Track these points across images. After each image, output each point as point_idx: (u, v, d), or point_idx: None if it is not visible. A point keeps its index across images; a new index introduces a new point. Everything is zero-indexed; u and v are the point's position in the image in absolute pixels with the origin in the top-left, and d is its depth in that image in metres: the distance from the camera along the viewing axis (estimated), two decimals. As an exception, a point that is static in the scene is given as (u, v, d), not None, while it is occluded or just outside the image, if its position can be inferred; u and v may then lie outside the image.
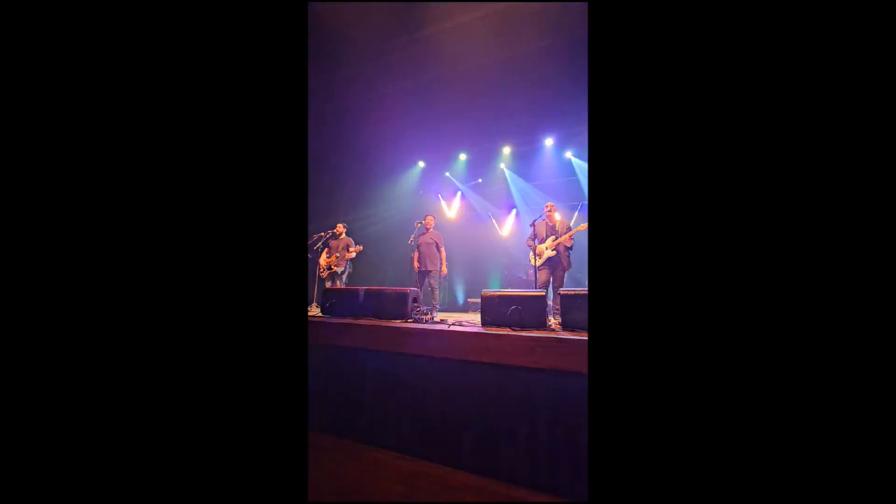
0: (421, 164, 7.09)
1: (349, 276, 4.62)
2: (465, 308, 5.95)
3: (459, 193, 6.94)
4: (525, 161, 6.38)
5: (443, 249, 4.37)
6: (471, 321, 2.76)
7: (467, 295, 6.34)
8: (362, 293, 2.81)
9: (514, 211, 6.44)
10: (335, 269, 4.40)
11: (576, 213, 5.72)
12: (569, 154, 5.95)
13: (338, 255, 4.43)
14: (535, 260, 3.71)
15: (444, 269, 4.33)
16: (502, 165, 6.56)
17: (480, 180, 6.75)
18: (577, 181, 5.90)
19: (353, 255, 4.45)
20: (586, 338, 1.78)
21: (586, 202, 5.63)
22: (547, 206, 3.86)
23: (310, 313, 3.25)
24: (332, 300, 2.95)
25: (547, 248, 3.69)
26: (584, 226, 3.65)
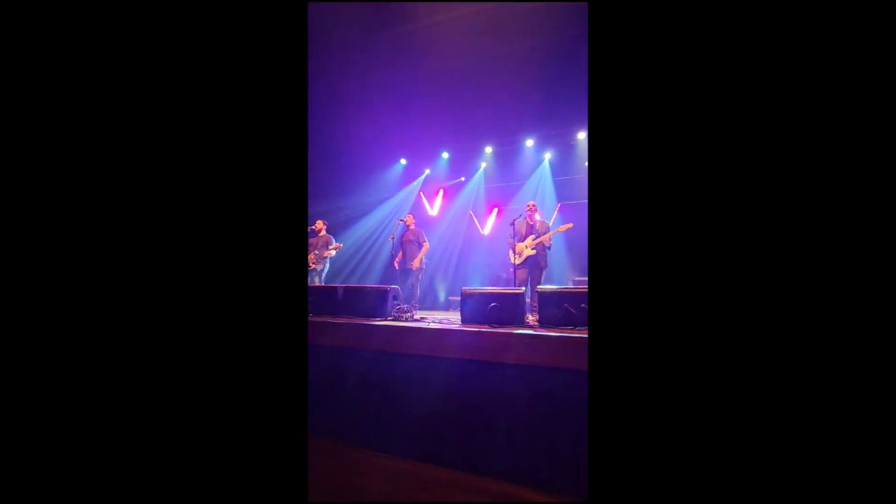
0: (403, 161, 7.05)
1: (328, 274, 4.55)
2: (447, 306, 5.97)
3: (441, 191, 6.94)
4: (506, 161, 6.44)
5: (426, 243, 4.36)
6: (451, 319, 2.77)
7: (449, 293, 6.36)
8: (341, 291, 2.78)
9: (495, 210, 6.50)
10: (314, 266, 4.32)
11: (555, 213, 5.82)
12: (547, 155, 6.06)
13: (317, 252, 4.35)
14: (515, 258, 3.76)
15: (417, 262, 4.30)
16: (484, 164, 6.61)
17: (463, 178, 6.78)
18: (555, 182, 6.02)
19: (333, 253, 4.38)
20: (563, 334, 1.82)
21: (564, 203, 5.75)
22: (528, 206, 3.92)
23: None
24: (310, 298, 2.90)
25: (527, 247, 3.75)
26: (566, 227, 3.74)
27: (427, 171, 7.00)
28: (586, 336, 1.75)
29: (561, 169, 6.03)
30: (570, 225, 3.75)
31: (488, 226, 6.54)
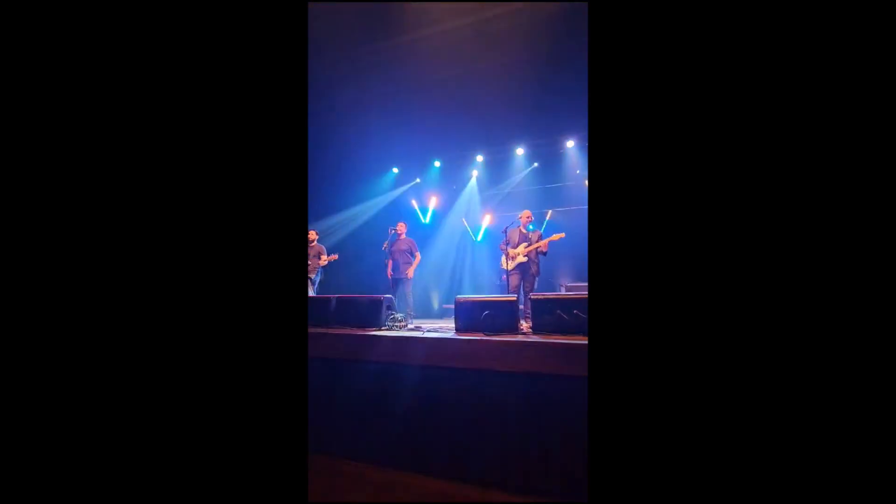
0: (395, 169, 7.08)
1: (321, 283, 4.52)
2: (441, 314, 5.95)
3: (434, 199, 6.97)
4: (497, 169, 6.51)
5: (417, 254, 4.37)
6: (445, 327, 2.77)
7: (442, 301, 6.34)
8: (334, 301, 2.76)
9: (487, 217, 6.55)
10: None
11: (546, 220, 5.89)
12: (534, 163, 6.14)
13: (309, 262, 4.33)
14: (508, 265, 3.79)
15: (410, 272, 4.32)
16: (476, 172, 6.67)
17: (455, 187, 6.82)
18: (544, 189, 6.11)
19: (326, 263, 4.37)
20: (556, 341, 1.84)
21: (555, 209, 5.83)
22: (523, 214, 4.00)
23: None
24: (302, 309, 2.87)
25: (520, 254, 3.79)
26: (558, 236, 3.81)
27: (418, 180, 7.03)
28: (580, 342, 1.77)
29: (551, 176, 6.12)
30: (563, 235, 3.84)
31: (480, 233, 6.59)
